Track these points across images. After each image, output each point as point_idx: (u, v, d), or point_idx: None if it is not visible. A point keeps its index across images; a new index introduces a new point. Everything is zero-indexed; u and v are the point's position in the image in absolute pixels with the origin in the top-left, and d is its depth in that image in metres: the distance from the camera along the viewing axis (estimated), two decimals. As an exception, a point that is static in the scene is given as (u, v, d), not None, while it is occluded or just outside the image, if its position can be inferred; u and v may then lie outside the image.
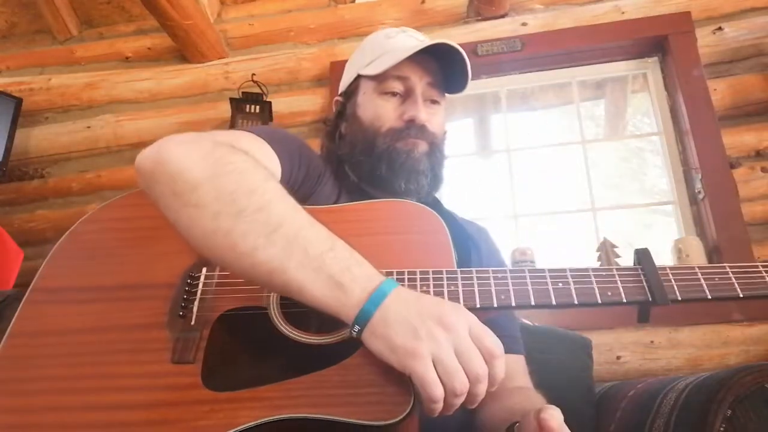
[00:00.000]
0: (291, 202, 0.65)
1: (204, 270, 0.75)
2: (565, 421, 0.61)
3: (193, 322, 0.70)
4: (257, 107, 2.02)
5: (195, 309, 0.71)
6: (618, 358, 1.60)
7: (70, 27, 2.40)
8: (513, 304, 0.67)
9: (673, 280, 0.68)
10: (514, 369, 0.95)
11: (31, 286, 0.76)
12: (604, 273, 0.69)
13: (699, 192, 1.78)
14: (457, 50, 0.96)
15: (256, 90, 2.08)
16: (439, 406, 0.55)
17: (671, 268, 0.69)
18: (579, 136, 2.09)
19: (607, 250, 1.74)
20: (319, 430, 0.60)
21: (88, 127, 2.25)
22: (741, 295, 0.66)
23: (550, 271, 0.69)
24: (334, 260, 0.59)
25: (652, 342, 1.60)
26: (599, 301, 0.67)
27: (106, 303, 0.73)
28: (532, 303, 0.67)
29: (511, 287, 0.68)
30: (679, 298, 0.67)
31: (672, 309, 1.70)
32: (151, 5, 1.89)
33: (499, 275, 0.69)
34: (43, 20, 2.39)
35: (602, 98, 2.36)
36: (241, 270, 0.62)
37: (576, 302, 0.67)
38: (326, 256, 0.59)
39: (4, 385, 0.67)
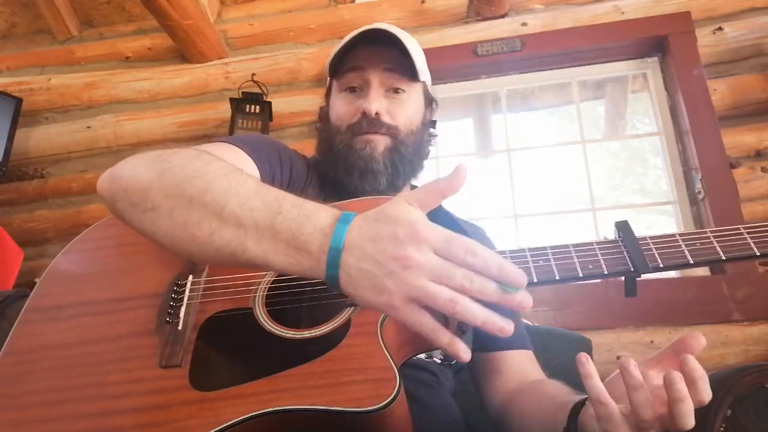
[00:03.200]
0: (237, 175, 0.63)
1: (190, 277, 0.77)
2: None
3: (180, 327, 0.71)
4: (257, 107, 2.02)
5: (182, 314, 0.73)
6: (618, 358, 1.60)
7: (70, 27, 2.40)
8: None
9: (654, 249, 0.67)
10: (527, 365, 0.95)
11: (24, 308, 0.78)
12: (584, 248, 0.68)
13: (699, 192, 1.78)
14: (388, 32, 0.95)
15: (256, 90, 2.08)
16: (445, 338, 0.51)
17: (651, 238, 0.68)
18: (579, 136, 2.09)
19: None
20: (310, 421, 0.60)
21: (88, 127, 2.25)
22: (723, 258, 0.65)
23: (530, 249, 0.68)
24: (284, 223, 0.56)
25: (652, 342, 1.60)
26: (581, 275, 0.66)
27: (95, 316, 0.75)
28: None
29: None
30: (661, 266, 0.65)
31: (672, 309, 1.71)
32: (151, 5, 1.89)
33: None
34: (43, 20, 2.39)
35: (602, 98, 2.36)
36: (209, 258, 0.61)
37: (557, 277, 0.66)
38: (276, 221, 0.56)
39: None
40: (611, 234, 0.72)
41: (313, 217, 0.56)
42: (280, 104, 2.12)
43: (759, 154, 1.80)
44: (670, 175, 1.92)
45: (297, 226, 0.56)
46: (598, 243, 0.69)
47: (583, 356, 0.61)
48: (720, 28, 1.93)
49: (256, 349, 0.70)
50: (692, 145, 1.81)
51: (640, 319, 1.62)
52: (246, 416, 0.60)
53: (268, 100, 2.07)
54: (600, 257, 0.67)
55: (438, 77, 2.16)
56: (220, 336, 0.72)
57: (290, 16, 2.29)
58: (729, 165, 1.76)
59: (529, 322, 1.51)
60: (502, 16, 2.12)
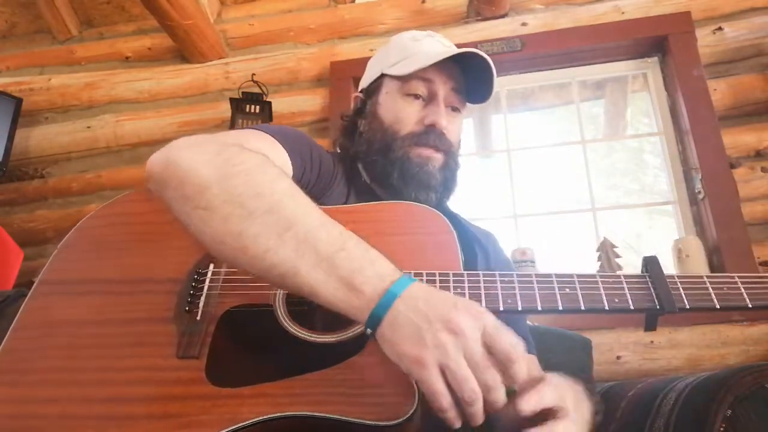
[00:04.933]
0: (302, 200, 0.63)
1: (211, 266, 0.75)
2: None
3: (198, 318, 0.70)
4: (257, 107, 2.02)
5: (201, 304, 0.71)
6: (618, 358, 1.60)
7: (70, 27, 2.40)
8: (519, 308, 0.66)
9: (681, 288, 0.67)
10: (531, 370, 0.94)
11: (37, 280, 0.76)
12: (611, 279, 0.68)
13: (699, 192, 1.78)
14: (484, 60, 0.94)
15: (256, 90, 2.08)
16: (450, 415, 0.53)
17: (679, 276, 0.68)
18: (579, 136, 2.09)
19: (607, 249, 1.74)
20: (324, 428, 0.60)
21: (88, 127, 2.25)
22: (750, 306, 0.65)
23: (557, 275, 0.68)
24: (345, 260, 0.57)
25: (652, 342, 1.60)
26: (606, 308, 0.66)
27: (109, 296, 0.73)
28: (539, 308, 0.66)
29: (518, 291, 0.67)
30: (687, 306, 0.65)
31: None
32: (151, 5, 1.89)
33: (506, 279, 0.68)
34: (43, 20, 2.39)
35: (602, 98, 2.36)
36: (253, 270, 0.61)
37: (583, 308, 0.66)
38: (337, 257, 0.58)
39: (5, 376, 0.68)
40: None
41: (377, 264, 0.58)
42: (280, 104, 2.12)
43: (759, 154, 1.80)
44: (670, 175, 1.92)
45: (358, 266, 0.57)
46: (625, 276, 0.69)
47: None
48: (720, 28, 1.93)
49: (273, 348, 0.69)
50: (692, 145, 1.81)
51: (640, 319, 1.61)
52: (261, 418, 0.59)
53: (268, 100, 2.07)
54: (626, 291, 0.67)
55: (438, 77, 2.16)
56: (237, 330, 0.71)
57: (290, 16, 2.29)
58: (729, 165, 1.76)
59: (529, 322, 1.51)
60: (502, 16, 2.12)
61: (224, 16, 2.35)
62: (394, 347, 0.54)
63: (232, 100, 2.03)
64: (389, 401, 0.59)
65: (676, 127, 1.93)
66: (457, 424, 0.53)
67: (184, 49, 2.22)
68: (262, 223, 0.60)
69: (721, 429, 0.75)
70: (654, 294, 0.66)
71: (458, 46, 0.99)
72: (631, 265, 1.81)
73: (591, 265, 1.78)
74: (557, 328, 1.49)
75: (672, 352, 1.59)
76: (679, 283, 0.67)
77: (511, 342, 0.53)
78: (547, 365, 1.12)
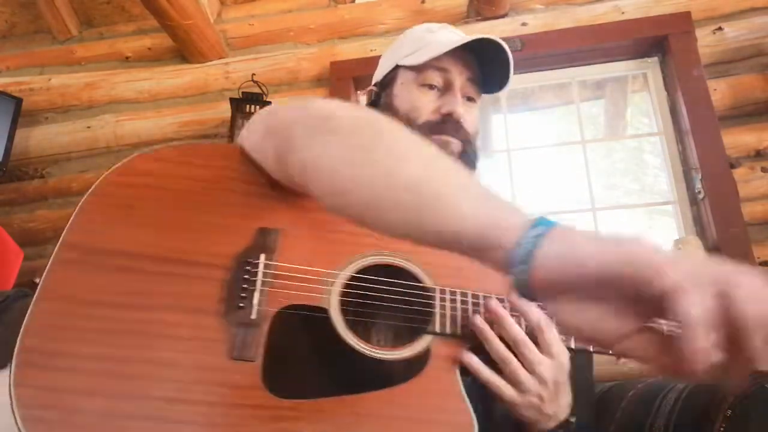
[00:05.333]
0: (427, 150, 0.55)
1: (262, 257, 0.68)
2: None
3: (253, 316, 0.64)
4: (257, 107, 2.02)
5: (255, 301, 0.65)
6: (618, 358, 1.60)
7: (70, 27, 2.40)
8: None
9: None
10: None
11: (61, 240, 0.67)
12: None
13: (699, 192, 1.78)
14: (501, 47, 0.94)
15: (256, 90, 2.08)
16: (701, 356, 0.34)
17: None
18: (579, 136, 2.09)
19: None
20: None
21: (88, 127, 2.25)
22: None
23: None
24: (479, 187, 0.48)
25: (652, 342, 1.60)
26: None
27: (149, 276, 0.64)
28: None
29: None
30: None
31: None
32: (151, 5, 1.89)
33: None
34: (43, 20, 2.38)
35: (602, 98, 2.36)
36: (380, 200, 0.50)
37: None
38: (470, 182, 0.48)
39: (37, 356, 0.58)
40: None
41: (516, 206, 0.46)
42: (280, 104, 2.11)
43: (759, 154, 1.80)
44: (670, 175, 1.91)
45: (493, 194, 0.47)
46: None
47: (477, 319, 0.67)
48: (720, 28, 1.93)
49: (329, 358, 0.66)
50: (692, 145, 1.81)
51: (640, 319, 1.62)
52: None
53: (268, 100, 2.07)
54: None
55: (438, 77, 2.16)
56: (289, 332, 0.66)
57: (290, 16, 2.29)
58: (729, 165, 1.76)
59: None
60: (502, 16, 2.12)
61: (224, 16, 2.35)
62: (575, 254, 0.39)
63: (232, 100, 2.03)
64: (449, 429, 0.58)
65: (676, 127, 1.93)
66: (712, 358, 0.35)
67: (184, 49, 2.21)
68: (394, 139, 0.53)
69: (721, 429, 0.75)
70: None
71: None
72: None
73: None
74: (557, 328, 1.49)
75: (672, 352, 1.59)
76: None
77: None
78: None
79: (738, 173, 1.77)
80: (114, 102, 2.28)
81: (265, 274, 0.67)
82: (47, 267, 0.64)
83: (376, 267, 0.71)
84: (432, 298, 0.70)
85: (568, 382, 0.69)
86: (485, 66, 0.98)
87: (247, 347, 0.61)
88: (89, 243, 0.66)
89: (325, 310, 0.66)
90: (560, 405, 0.70)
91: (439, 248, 0.47)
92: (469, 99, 0.99)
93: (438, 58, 0.95)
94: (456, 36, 1.00)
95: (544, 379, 0.66)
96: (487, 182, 0.51)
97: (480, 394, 0.70)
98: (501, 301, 0.68)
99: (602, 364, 1.60)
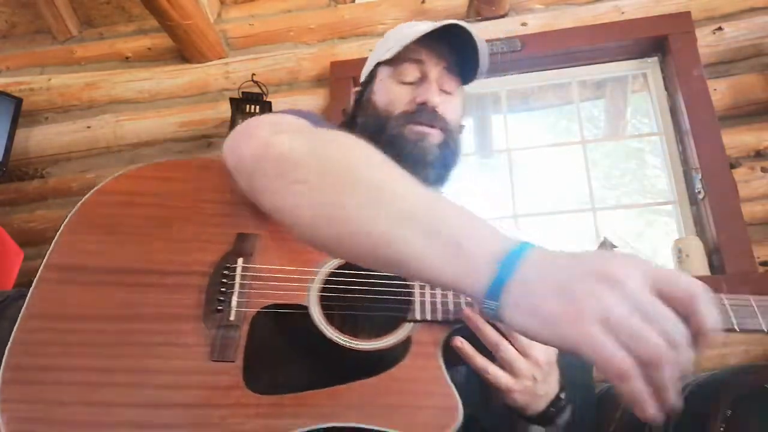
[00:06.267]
0: (398, 170, 0.57)
1: (240, 261, 0.70)
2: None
3: (232, 318, 0.65)
4: (257, 107, 2.02)
5: (234, 303, 0.66)
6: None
7: (70, 27, 2.40)
8: None
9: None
10: None
11: (44, 262, 0.68)
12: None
13: (699, 192, 1.78)
14: (468, 33, 0.95)
15: (256, 90, 2.08)
16: (637, 385, 0.39)
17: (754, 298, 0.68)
18: (579, 136, 2.09)
19: (607, 250, 1.74)
20: None
21: (88, 127, 2.25)
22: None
23: (752, 299, 0.67)
24: (454, 227, 0.49)
25: (652, 342, 1.60)
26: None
27: (131, 288, 0.66)
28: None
29: None
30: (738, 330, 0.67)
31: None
32: (151, 5, 1.89)
33: None
34: (43, 20, 2.38)
35: (602, 98, 2.36)
36: (351, 246, 0.54)
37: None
38: (445, 224, 0.50)
39: (22, 373, 0.59)
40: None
41: (489, 229, 0.49)
42: (280, 104, 2.11)
43: (759, 154, 1.80)
44: (670, 175, 1.91)
45: (469, 232, 0.49)
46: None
47: (466, 309, 0.67)
48: (720, 28, 1.93)
49: (309, 352, 0.67)
50: (692, 145, 1.81)
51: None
52: (305, 429, 0.57)
53: (268, 100, 2.07)
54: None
55: (438, 77, 2.16)
56: (269, 332, 0.67)
57: (290, 16, 2.29)
58: (729, 165, 1.76)
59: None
60: (502, 16, 2.11)
61: (224, 16, 2.35)
62: (533, 311, 0.42)
63: (232, 100, 2.03)
64: (435, 414, 0.58)
65: (676, 127, 1.93)
66: (650, 408, 0.40)
67: (184, 49, 2.21)
68: (364, 192, 0.54)
69: (721, 429, 0.75)
70: None
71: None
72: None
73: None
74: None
75: (672, 352, 1.59)
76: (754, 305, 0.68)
77: (689, 282, 0.41)
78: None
79: (738, 173, 1.77)
80: (114, 102, 2.28)
81: (243, 277, 0.69)
82: (31, 287, 0.66)
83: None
84: (412, 286, 0.71)
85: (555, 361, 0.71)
86: (463, 56, 0.98)
87: (226, 349, 0.63)
88: (70, 262, 0.68)
89: (305, 308, 0.68)
90: (551, 384, 0.71)
91: None
92: (448, 92, 0.99)
93: (413, 50, 0.96)
94: (430, 26, 0.99)
95: (537, 360, 0.67)
96: (460, 200, 0.53)
97: (475, 385, 0.70)
98: None
99: (602, 364, 1.60)
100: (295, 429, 0.57)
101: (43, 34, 2.44)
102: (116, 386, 0.60)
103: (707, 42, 1.92)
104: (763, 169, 1.78)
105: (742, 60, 1.89)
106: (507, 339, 0.67)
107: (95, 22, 2.44)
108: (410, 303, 0.70)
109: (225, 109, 2.10)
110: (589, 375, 1.30)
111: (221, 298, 0.67)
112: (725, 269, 1.63)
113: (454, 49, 0.98)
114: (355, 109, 1.07)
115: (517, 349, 0.66)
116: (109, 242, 0.69)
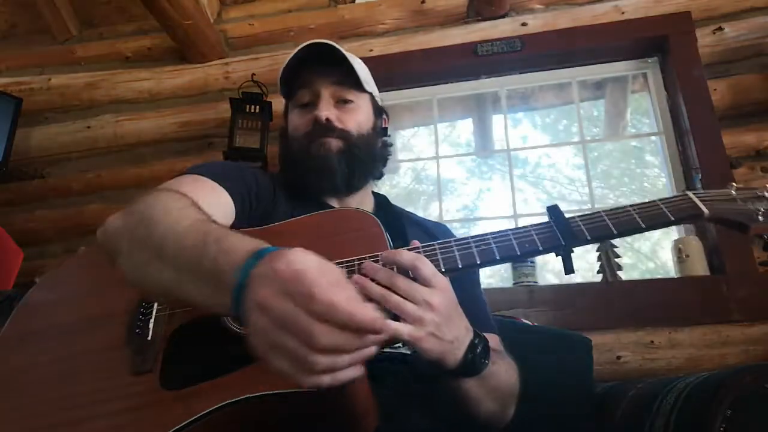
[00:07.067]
0: (184, 221, 0.68)
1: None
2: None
3: (149, 338, 0.75)
4: (257, 107, 2.02)
5: (151, 325, 0.77)
6: (618, 358, 1.60)
7: (70, 27, 2.40)
8: (443, 269, 0.74)
9: (582, 226, 0.76)
10: None
11: (0, 335, 0.83)
12: (521, 231, 0.77)
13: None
14: (332, 47, 1.06)
15: (256, 90, 2.08)
16: (303, 378, 0.51)
17: (580, 217, 0.78)
18: (579, 136, 2.09)
19: (606, 249, 1.74)
20: (281, 409, 0.64)
21: (88, 127, 2.25)
22: (644, 226, 0.75)
23: (473, 237, 0.77)
24: (206, 261, 0.60)
25: (652, 342, 1.60)
26: (518, 253, 0.75)
27: (67, 336, 0.80)
28: (459, 266, 0.74)
29: (439, 256, 0.75)
30: (588, 238, 0.75)
31: (672, 309, 1.70)
32: (151, 5, 1.89)
33: (429, 248, 0.76)
34: (43, 20, 2.38)
35: (602, 98, 2.36)
36: (157, 292, 0.70)
37: (498, 257, 0.74)
38: (201, 261, 0.60)
39: None
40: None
41: (231, 253, 0.58)
42: (280, 104, 2.09)
43: (759, 154, 1.80)
44: (670, 175, 1.91)
45: (213, 264, 0.59)
46: (532, 226, 0.78)
47: (354, 276, 0.70)
48: (720, 28, 1.93)
49: (224, 350, 0.72)
50: (692, 145, 1.81)
51: (640, 319, 1.62)
52: (222, 404, 0.63)
53: (268, 100, 2.07)
54: (535, 237, 0.76)
55: (438, 77, 2.16)
56: (189, 343, 0.75)
57: (290, 16, 2.29)
58: (729, 165, 1.76)
59: (529, 322, 1.51)
60: (502, 16, 2.12)
61: (224, 16, 2.35)
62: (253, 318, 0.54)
63: (232, 100, 2.03)
64: None
65: (676, 127, 1.93)
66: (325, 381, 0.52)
67: (184, 49, 2.22)
68: (154, 253, 0.66)
69: (721, 429, 0.75)
70: (559, 234, 0.75)
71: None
72: (631, 264, 1.81)
73: (591, 265, 1.78)
74: (557, 328, 1.49)
75: (672, 352, 1.59)
76: (579, 222, 0.77)
77: (321, 292, 0.51)
78: (548, 365, 1.12)
79: (738, 173, 1.77)
80: (114, 102, 2.28)
81: (160, 304, 0.80)
82: None
83: None
84: None
85: (459, 307, 0.74)
86: (350, 66, 1.08)
87: (145, 362, 0.72)
88: (19, 330, 0.84)
89: (217, 319, 0.76)
90: (459, 328, 0.73)
91: None
92: (345, 101, 1.09)
93: (302, 77, 1.10)
94: (300, 47, 1.12)
95: (431, 304, 0.69)
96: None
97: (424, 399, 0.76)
98: (376, 261, 0.74)
99: (602, 363, 1.60)
100: (212, 406, 0.63)
101: (43, 34, 2.44)
102: (46, 414, 0.72)
103: (707, 42, 1.92)
104: (763, 169, 1.78)
105: (742, 60, 1.89)
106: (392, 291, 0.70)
107: (95, 22, 2.44)
108: None
109: (225, 109, 2.10)
110: (590, 375, 1.31)
111: (139, 323, 0.78)
112: (725, 269, 1.63)
113: (339, 62, 1.08)
114: (281, 144, 1.18)
115: (404, 297, 0.69)
116: (50, 309, 0.87)
